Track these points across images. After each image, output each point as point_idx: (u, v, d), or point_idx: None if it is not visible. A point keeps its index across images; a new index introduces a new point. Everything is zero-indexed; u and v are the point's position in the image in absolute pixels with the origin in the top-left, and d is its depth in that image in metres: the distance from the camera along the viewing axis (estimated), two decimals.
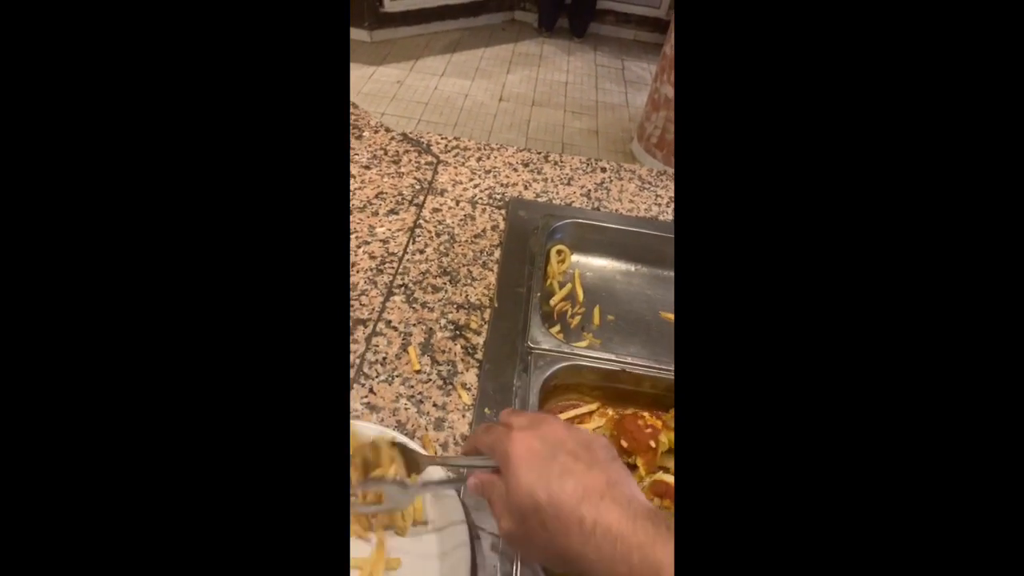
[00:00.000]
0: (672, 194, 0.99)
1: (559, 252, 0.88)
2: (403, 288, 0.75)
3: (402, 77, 3.28)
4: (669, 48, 2.39)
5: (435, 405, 0.62)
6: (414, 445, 0.50)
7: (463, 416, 0.61)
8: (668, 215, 0.94)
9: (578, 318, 0.81)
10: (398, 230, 0.84)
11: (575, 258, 0.91)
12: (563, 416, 0.68)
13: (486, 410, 0.62)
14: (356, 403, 0.61)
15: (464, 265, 0.80)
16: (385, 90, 3.15)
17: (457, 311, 0.73)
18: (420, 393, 0.63)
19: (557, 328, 0.78)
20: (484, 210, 0.90)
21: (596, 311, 0.82)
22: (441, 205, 0.90)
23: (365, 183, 0.93)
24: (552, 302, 0.82)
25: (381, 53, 3.49)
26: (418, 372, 0.65)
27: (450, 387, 0.64)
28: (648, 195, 0.98)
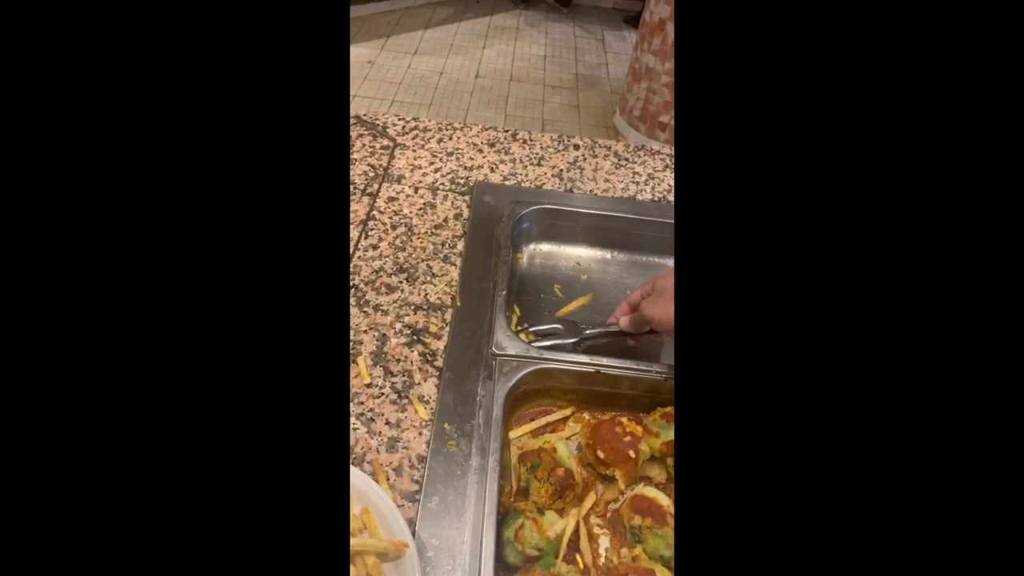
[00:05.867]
0: (650, 171, 0.92)
1: None
2: (353, 290, 0.68)
3: (373, 56, 3.14)
4: (648, 15, 2.28)
5: (388, 423, 0.55)
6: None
7: (419, 434, 0.55)
8: (646, 193, 0.87)
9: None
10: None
11: (546, 247, 0.83)
12: (533, 423, 0.62)
13: (446, 425, 0.55)
14: None
15: (423, 260, 0.72)
16: (355, 71, 3.01)
17: (415, 313, 0.66)
18: (371, 410, 0.56)
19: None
20: (446, 197, 0.83)
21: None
22: (398, 193, 0.82)
23: None
24: None
25: (350, 32, 3.33)
26: (368, 386, 0.58)
27: (405, 401, 0.57)
28: (625, 173, 0.91)
